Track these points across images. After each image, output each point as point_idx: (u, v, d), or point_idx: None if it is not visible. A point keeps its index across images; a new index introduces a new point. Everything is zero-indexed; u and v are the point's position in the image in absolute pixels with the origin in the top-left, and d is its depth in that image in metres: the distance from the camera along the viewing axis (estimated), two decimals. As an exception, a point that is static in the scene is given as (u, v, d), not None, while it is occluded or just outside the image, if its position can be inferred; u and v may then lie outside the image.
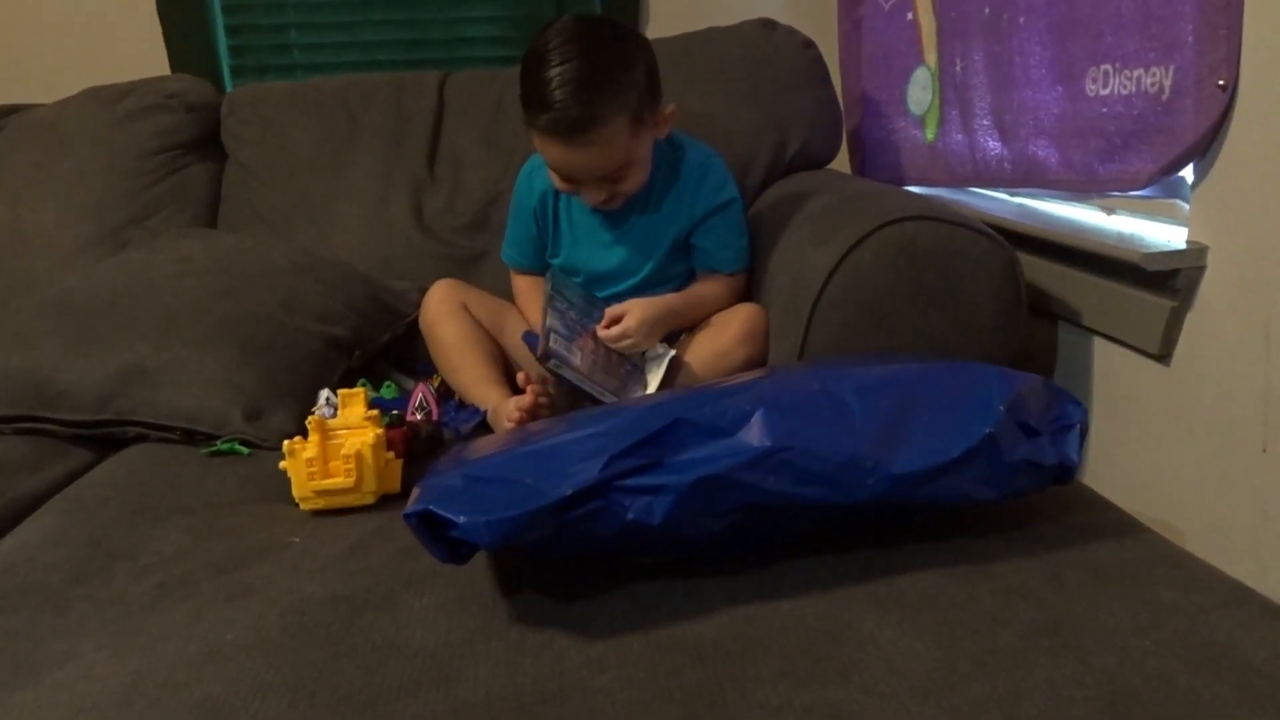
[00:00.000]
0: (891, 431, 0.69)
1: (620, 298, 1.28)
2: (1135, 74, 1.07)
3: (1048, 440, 0.74)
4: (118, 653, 0.70)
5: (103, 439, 1.19)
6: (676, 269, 1.32)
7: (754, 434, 0.67)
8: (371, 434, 0.95)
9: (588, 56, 1.11)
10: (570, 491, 0.64)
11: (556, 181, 1.21)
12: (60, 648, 0.71)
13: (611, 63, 1.13)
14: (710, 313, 1.27)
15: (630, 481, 0.67)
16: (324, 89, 1.65)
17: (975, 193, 1.58)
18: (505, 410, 1.14)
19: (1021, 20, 1.28)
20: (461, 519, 0.64)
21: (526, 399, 1.13)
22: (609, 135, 1.12)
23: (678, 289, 1.32)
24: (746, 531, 0.71)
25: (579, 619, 0.69)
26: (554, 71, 1.10)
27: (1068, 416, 0.76)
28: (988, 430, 0.70)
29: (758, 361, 1.22)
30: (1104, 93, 1.13)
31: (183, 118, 1.62)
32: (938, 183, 1.61)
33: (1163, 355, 1.08)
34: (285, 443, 0.94)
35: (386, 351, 1.45)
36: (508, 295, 1.40)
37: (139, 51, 1.87)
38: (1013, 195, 1.50)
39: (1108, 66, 1.12)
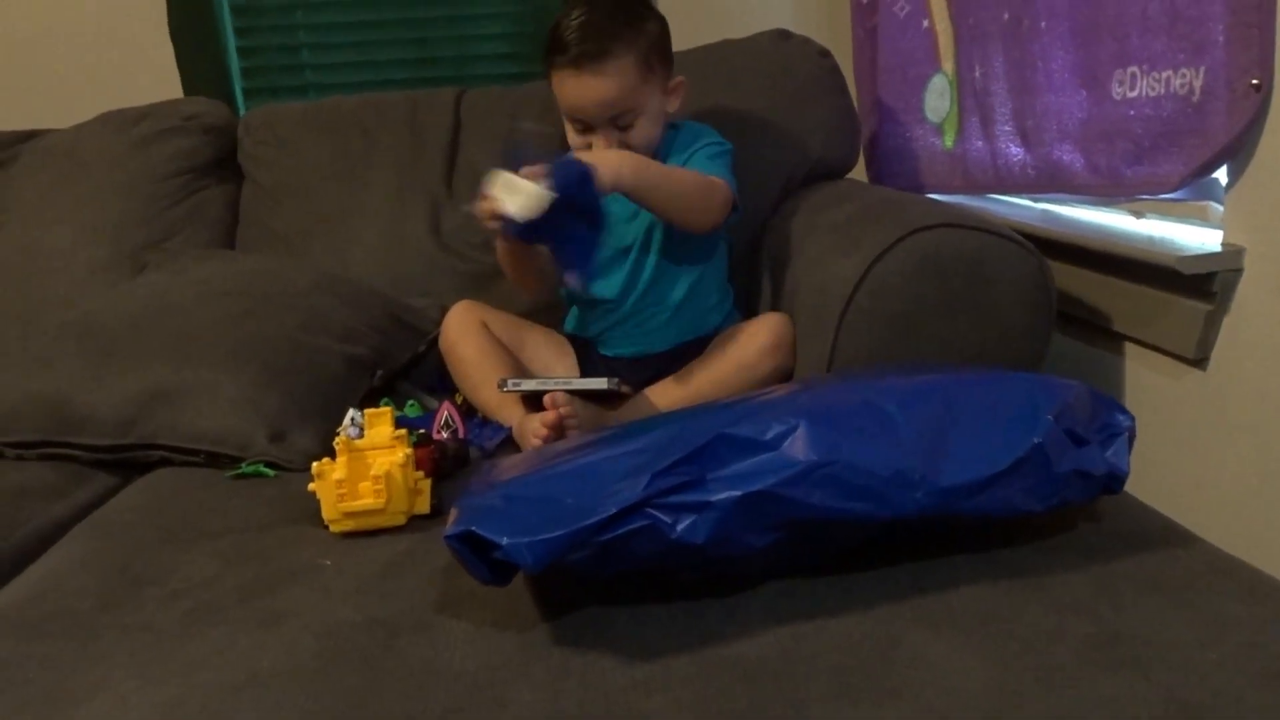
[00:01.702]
0: (937, 443, 0.68)
1: (633, 275, 1.30)
2: (1164, 75, 1.06)
3: (1096, 449, 0.72)
4: (151, 681, 0.68)
5: (126, 463, 1.18)
6: (689, 246, 1.31)
7: (798, 448, 0.66)
8: (400, 454, 0.94)
9: (603, 8, 1.23)
10: (614, 510, 0.63)
11: (571, 138, 1.27)
12: (92, 677, 0.70)
13: (625, 12, 1.24)
14: (683, 190, 1.22)
15: (673, 499, 0.65)
16: (339, 108, 1.65)
17: (996, 199, 1.57)
18: (530, 426, 1.14)
19: (1043, 25, 1.27)
20: (504, 540, 0.63)
21: (550, 415, 1.12)
22: (619, 69, 1.21)
23: (695, 273, 1.31)
24: (789, 548, 0.69)
25: (621, 640, 0.68)
26: (573, 18, 1.22)
27: (1115, 424, 0.74)
28: (1036, 440, 0.68)
29: (784, 373, 1.21)
30: (1131, 95, 1.12)
31: (199, 140, 1.62)
32: (957, 190, 1.60)
33: (1199, 360, 1.06)
34: (314, 464, 0.93)
35: (407, 370, 1.44)
36: (528, 313, 1.39)
37: (152, 74, 1.87)
38: (1036, 201, 1.48)
39: (1134, 69, 1.11)
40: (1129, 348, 1.20)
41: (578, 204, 1.09)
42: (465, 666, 0.67)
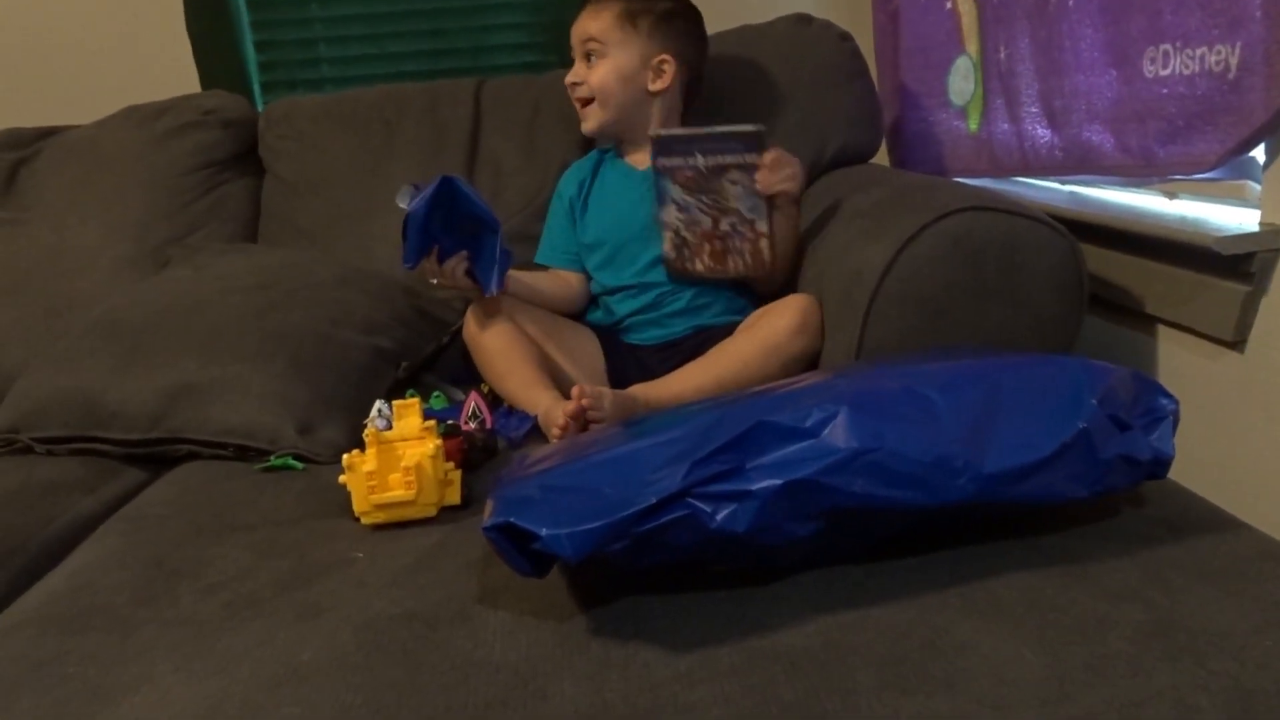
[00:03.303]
0: (980, 429, 0.67)
1: (653, 261, 1.35)
2: (1198, 53, 1.04)
3: (1140, 434, 0.71)
4: (192, 675, 0.68)
5: (155, 458, 1.18)
6: None
7: (839, 435, 0.65)
8: (431, 445, 0.94)
9: None
10: (653, 500, 0.62)
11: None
12: (133, 671, 0.70)
13: None
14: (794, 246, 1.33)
15: (713, 488, 0.64)
16: (360, 100, 1.64)
17: (1023, 182, 1.55)
18: (553, 416, 1.13)
19: (1071, 3, 1.25)
20: (544, 531, 0.62)
21: (572, 406, 1.11)
22: (603, 8, 1.37)
23: None
24: (830, 536, 0.68)
25: (662, 631, 0.67)
26: None
27: (1159, 408, 0.73)
28: (1081, 425, 0.67)
29: (812, 354, 1.20)
30: (1164, 73, 1.10)
31: (220, 134, 1.62)
32: (983, 173, 1.58)
33: (1236, 342, 1.04)
34: (344, 456, 0.93)
35: (431, 362, 1.43)
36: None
37: (169, 69, 1.87)
38: (1064, 183, 1.46)
39: (1167, 46, 1.09)
40: (1161, 330, 1.19)
41: (451, 219, 1.21)
42: (506, 658, 0.66)
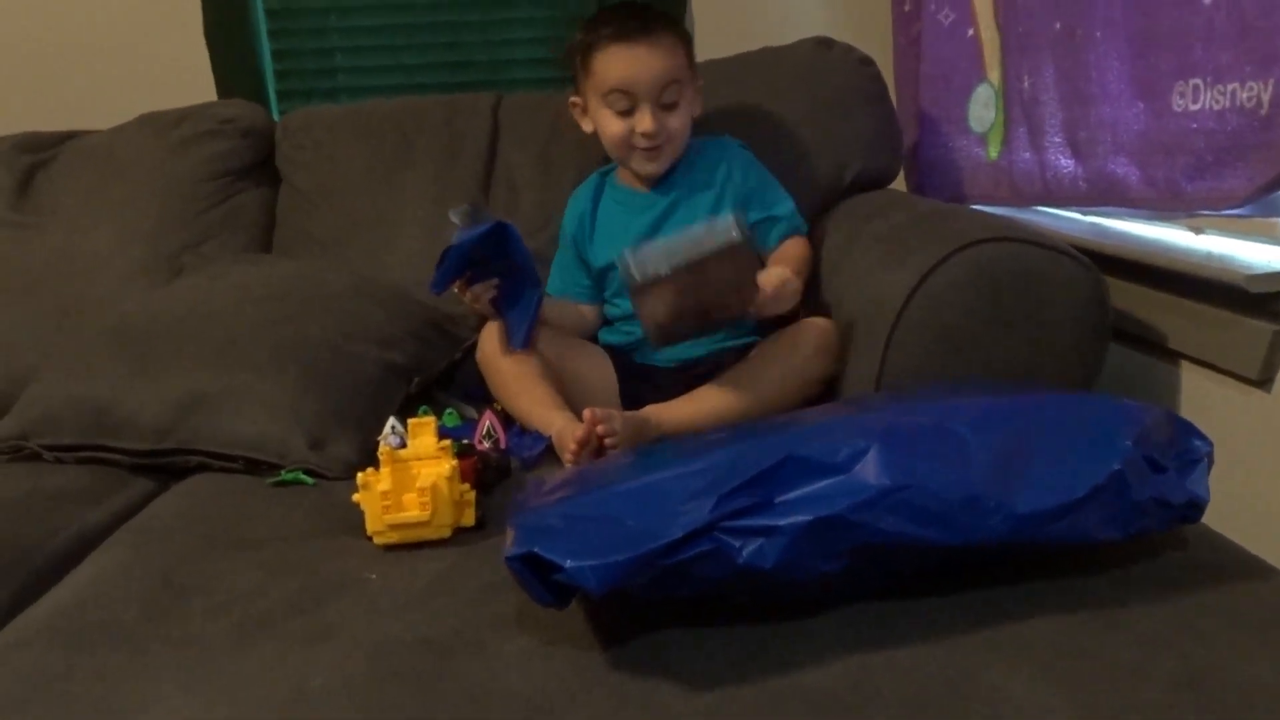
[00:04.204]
0: (1013, 468, 0.66)
1: None
2: (1229, 88, 1.03)
3: (1174, 476, 0.70)
4: (201, 697, 0.67)
5: (164, 468, 1.18)
6: None
7: (870, 471, 0.64)
8: (447, 465, 0.93)
9: (640, 3, 1.32)
10: (680, 534, 0.61)
11: (609, 124, 1.30)
12: (140, 691, 0.69)
13: (661, 5, 1.36)
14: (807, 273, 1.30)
15: (740, 523, 0.63)
16: (377, 112, 1.64)
17: (1044, 212, 1.54)
18: (567, 439, 1.11)
19: (1098, 34, 1.25)
20: (568, 563, 0.61)
21: (582, 431, 1.08)
22: (670, 42, 1.27)
23: None
24: (856, 574, 0.67)
25: (680, 665, 0.66)
26: (611, 6, 1.32)
27: (1194, 450, 0.72)
28: (1116, 466, 0.66)
29: (830, 378, 1.19)
30: (1193, 108, 1.09)
31: (237, 143, 1.61)
32: (1002, 201, 1.57)
33: (1263, 380, 1.03)
34: (359, 475, 0.92)
35: (443, 378, 1.42)
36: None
37: (185, 77, 1.86)
38: (1084, 214, 1.45)
39: (1197, 81, 1.08)
40: (1185, 366, 1.17)
41: (492, 259, 1.18)
42: (521, 689, 0.65)
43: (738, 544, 0.63)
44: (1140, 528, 0.69)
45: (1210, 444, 0.73)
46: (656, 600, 0.70)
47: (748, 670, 0.64)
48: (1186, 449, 0.72)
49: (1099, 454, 0.67)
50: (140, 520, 1.04)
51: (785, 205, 1.38)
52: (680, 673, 0.65)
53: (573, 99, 1.38)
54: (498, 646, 0.70)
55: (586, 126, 1.37)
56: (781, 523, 0.63)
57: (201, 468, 1.16)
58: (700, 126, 1.38)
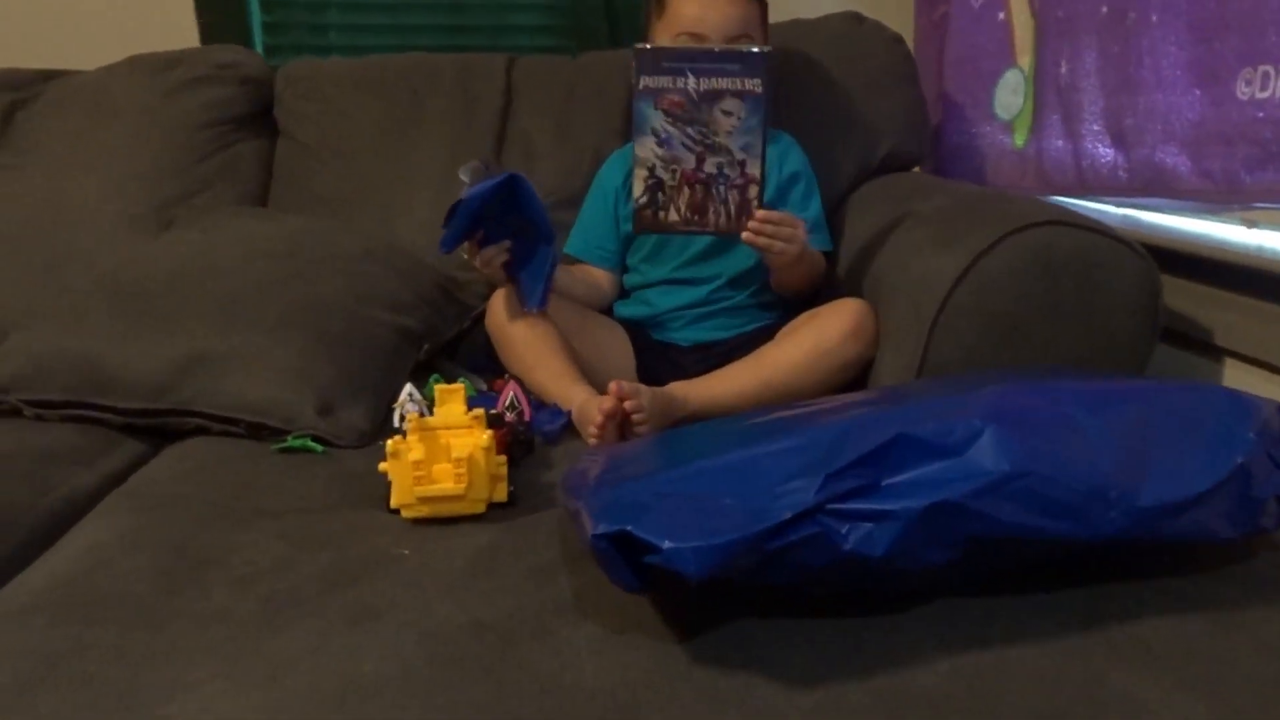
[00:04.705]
0: (1136, 458, 0.61)
1: (718, 272, 1.30)
2: (1303, 77, 1.00)
3: (1294, 473, 0.66)
4: (236, 683, 0.60)
5: (157, 430, 1.09)
6: None
7: (987, 455, 0.59)
8: (484, 436, 0.86)
9: None
10: (788, 515, 0.55)
11: None
12: (166, 674, 0.61)
13: None
14: (815, 272, 1.29)
15: (847, 506, 0.58)
16: (387, 67, 1.55)
17: (1074, 202, 1.50)
18: (590, 413, 1.05)
19: (1154, 18, 1.21)
20: (666, 544, 0.55)
21: (609, 403, 1.03)
22: None
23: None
24: (964, 566, 0.62)
25: (772, 660, 0.60)
26: None
27: (1310, 447, 0.67)
28: (1240, 460, 0.62)
29: (864, 361, 1.15)
30: (1261, 96, 1.05)
31: (235, 90, 1.52)
32: (1028, 190, 1.53)
33: (1320, 379, 1.00)
34: (389, 442, 0.85)
35: (450, 347, 1.35)
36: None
37: (168, 24, 1.76)
38: (1119, 205, 1.42)
39: (1267, 68, 1.04)
40: (1229, 362, 1.14)
41: (504, 216, 1.13)
42: (600, 683, 0.59)
43: (844, 529, 0.58)
44: (1258, 526, 0.65)
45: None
46: (738, 588, 0.64)
47: (848, 668, 0.59)
48: (1303, 445, 0.68)
49: (1221, 446, 0.62)
50: (135, 484, 0.96)
51: (815, 211, 1.35)
52: (773, 669, 0.59)
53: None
54: (564, 634, 0.64)
55: None
56: (894, 507, 0.57)
57: (199, 430, 1.08)
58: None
